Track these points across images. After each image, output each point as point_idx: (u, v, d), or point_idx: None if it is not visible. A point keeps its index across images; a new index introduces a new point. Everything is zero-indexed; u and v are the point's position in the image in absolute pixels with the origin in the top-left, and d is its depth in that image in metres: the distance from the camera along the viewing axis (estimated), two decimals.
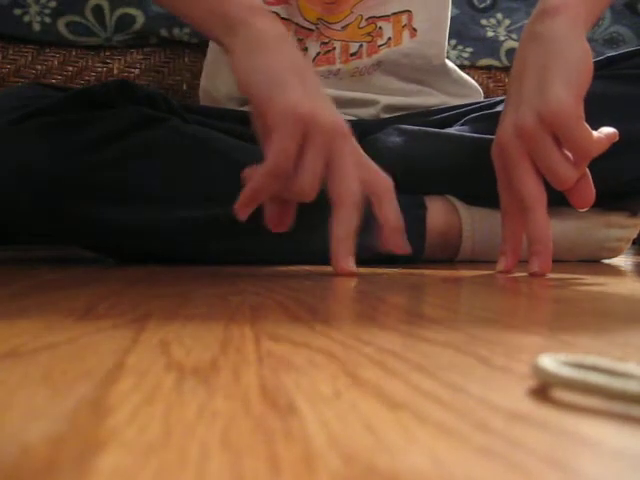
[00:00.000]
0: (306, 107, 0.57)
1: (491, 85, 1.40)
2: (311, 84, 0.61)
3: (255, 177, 0.58)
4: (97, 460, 0.14)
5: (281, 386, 0.20)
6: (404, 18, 1.00)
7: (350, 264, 0.60)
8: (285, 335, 0.28)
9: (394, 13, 1.00)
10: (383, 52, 0.99)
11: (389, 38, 1.00)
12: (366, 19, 0.98)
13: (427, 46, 1.01)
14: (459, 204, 0.84)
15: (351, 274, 0.60)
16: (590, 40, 1.48)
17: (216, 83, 1.07)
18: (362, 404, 0.18)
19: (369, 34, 0.99)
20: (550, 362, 0.19)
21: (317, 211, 0.78)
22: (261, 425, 0.16)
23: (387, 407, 0.18)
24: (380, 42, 1.00)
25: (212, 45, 1.08)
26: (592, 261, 0.92)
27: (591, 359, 0.20)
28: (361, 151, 0.62)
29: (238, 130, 0.88)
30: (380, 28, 0.99)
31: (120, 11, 1.31)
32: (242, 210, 0.59)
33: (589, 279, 0.59)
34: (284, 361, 0.23)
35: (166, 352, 0.25)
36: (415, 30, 1.00)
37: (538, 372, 0.19)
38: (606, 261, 0.95)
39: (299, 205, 0.77)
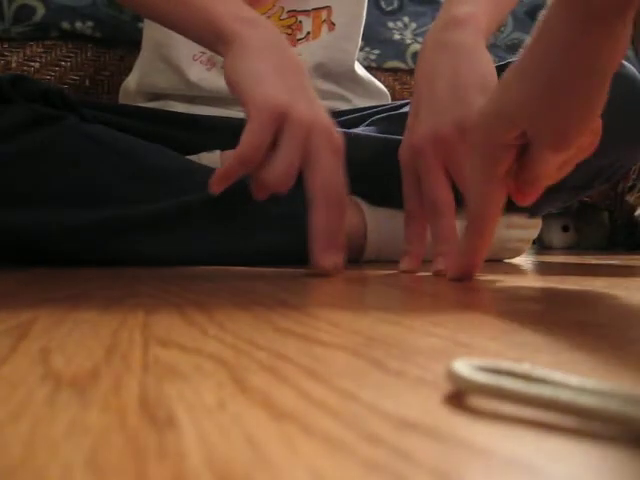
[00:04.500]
0: (283, 101, 0.59)
1: (397, 87, 1.41)
2: (295, 84, 0.62)
3: (227, 161, 0.60)
4: None
5: (163, 396, 0.18)
6: (324, 13, 1.01)
7: (328, 259, 0.59)
8: (176, 340, 0.27)
9: (314, 9, 1.01)
10: (302, 46, 1.00)
11: (308, 32, 1.01)
12: (287, 12, 0.99)
13: (345, 40, 1.03)
14: (364, 205, 0.84)
15: (330, 270, 0.59)
16: (493, 46, 1.52)
17: (132, 79, 1.05)
18: (246, 415, 0.17)
19: (289, 27, 0.99)
20: (464, 367, 0.19)
21: (224, 214, 0.77)
22: (133, 441, 0.15)
23: (272, 418, 0.17)
24: (299, 36, 1.00)
25: (145, 44, 1.06)
26: (494, 261, 0.94)
27: (506, 364, 0.19)
28: (339, 152, 0.61)
29: (137, 126, 0.86)
30: (300, 22, 1.00)
31: (19, 1, 1.25)
32: (215, 187, 0.61)
33: (491, 279, 0.60)
34: (170, 369, 0.22)
35: (45, 361, 0.23)
36: (334, 24, 1.02)
37: (451, 377, 0.19)
38: (507, 261, 0.97)
39: (209, 208, 0.76)
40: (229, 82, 0.63)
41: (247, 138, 0.58)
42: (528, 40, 0.48)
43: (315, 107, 0.62)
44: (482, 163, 0.52)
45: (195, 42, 0.72)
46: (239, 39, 0.64)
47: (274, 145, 0.59)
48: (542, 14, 0.47)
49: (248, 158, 0.58)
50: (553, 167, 0.51)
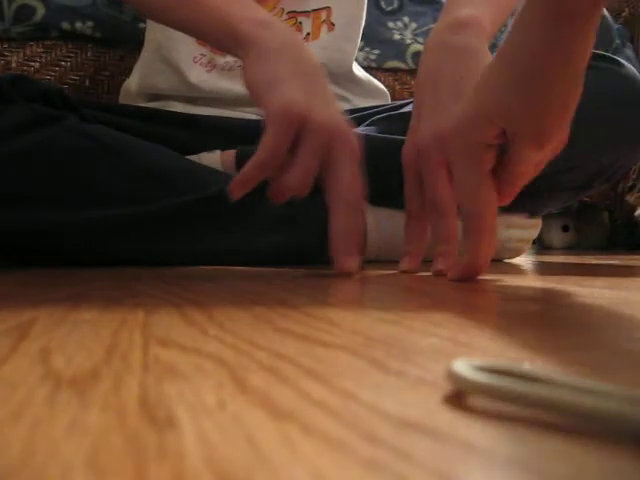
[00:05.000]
0: (301, 105, 0.59)
1: (397, 87, 1.41)
2: (313, 86, 0.62)
3: (246, 166, 0.59)
4: None
5: (163, 396, 0.18)
6: (323, 14, 1.01)
7: (350, 262, 0.60)
8: (176, 340, 0.27)
9: (314, 10, 1.01)
10: None
11: (308, 33, 1.01)
12: (287, 13, 0.99)
13: (344, 40, 1.03)
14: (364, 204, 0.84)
15: (351, 272, 0.60)
16: (493, 46, 1.52)
17: (133, 80, 1.05)
18: (246, 415, 0.17)
19: None
20: (464, 367, 0.19)
21: (224, 214, 0.77)
22: (134, 441, 0.15)
23: (272, 417, 0.17)
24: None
25: (146, 45, 1.06)
26: (494, 261, 0.94)
27: (506, 364, 0.19)
28: (357, 156, 0.62)
29: (137, 126, 0.86)
30: (300, 23, 1.00)
31: (19, 1, 1.25)
32: (235, 192, 0.61)
33: (491, 279, 0.60)
34: (170, 368, 0.22)
35: (45, 361, 0.23)
36: (333, 24, 1.02)
37: (451, 377, 0.19)
38: (507, 261, 0.97)
39: (209, 208, 0.76)
40: (248, 86, 0.63)
41: (266, 143, 0.58)
42: (501, 42, 0.49)
43: (333, 110, 0.62)
44: (468, 163, 0.53)
45: (212, 45, 0.72)
46: (256, 42, 0.64)
47: (293, 149, 0.59)
48: (515, 16, 0.48)
49: (267, 163, 0.58)
50: (532, 165, 0.52)
